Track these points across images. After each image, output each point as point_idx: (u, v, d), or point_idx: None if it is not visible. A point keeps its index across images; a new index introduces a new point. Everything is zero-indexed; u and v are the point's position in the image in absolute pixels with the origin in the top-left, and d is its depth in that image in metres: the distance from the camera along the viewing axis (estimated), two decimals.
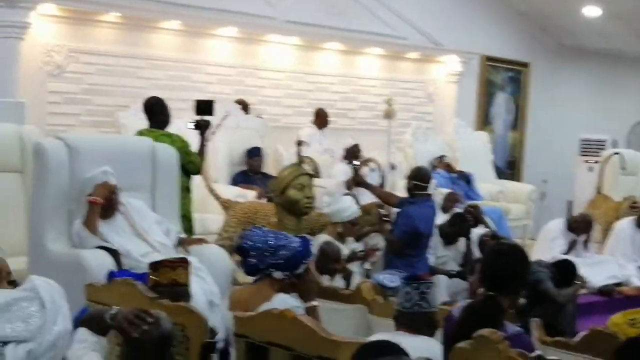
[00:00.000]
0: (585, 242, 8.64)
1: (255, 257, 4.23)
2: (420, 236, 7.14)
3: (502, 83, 14.03)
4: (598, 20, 13.03)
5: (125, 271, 4.98)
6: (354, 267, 6.77)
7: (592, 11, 12.80)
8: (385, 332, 4.02)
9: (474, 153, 12.14)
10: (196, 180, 7.09)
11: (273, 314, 3.67)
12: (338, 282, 6.22)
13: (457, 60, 12.89)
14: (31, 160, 5.94)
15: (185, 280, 4.21)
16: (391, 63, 12.30)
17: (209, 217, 7.79)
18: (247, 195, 8.26)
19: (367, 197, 8.21)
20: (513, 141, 14.35)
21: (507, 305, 3.65)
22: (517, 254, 3.77)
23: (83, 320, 3.21)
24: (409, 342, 3.55)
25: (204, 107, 6.94)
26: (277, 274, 4.20)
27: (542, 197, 13.19)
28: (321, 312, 4.37)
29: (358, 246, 7.13)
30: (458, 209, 8.53)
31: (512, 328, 3.54)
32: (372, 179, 9.17)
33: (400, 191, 8.04)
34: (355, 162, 9.01)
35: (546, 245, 8.59)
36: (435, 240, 7.55)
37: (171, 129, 6.82)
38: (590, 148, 12.39)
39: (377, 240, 7.38)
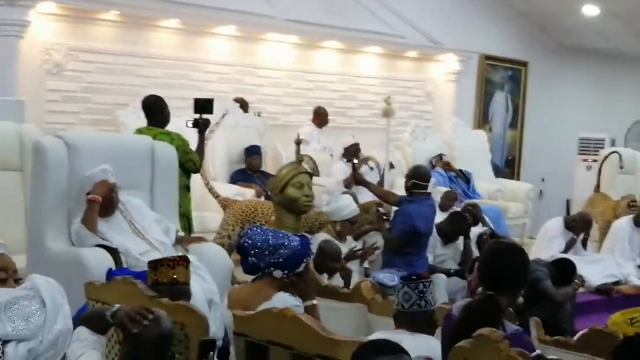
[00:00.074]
0: (584, 241, 8.66)
1: (255, 256, 4.22)
2: (420, 235, 7.14)
3: (501, 82, 14.04)
4: (597, 19, 13.04)
5: (125, 269, 4.98)
6: (352, 265, 6.77)
7: (590, 10, 12.81)
8: (385, 331, 4.03)
9: (473, 152, 12.14)
10: (195, 179, 7.09)
11: (273, 312, 3.67)
12: (337, 280, 6.22)
13: (456, 59, 12.89)
14: (30, 158, 5.93)
15: (184, 278, 4.21)
16: (390, 62, 12.30)
17: (208, 216, 7.80)
18: (246, 193, 8.26)
19: (366, 196, 8.22)
20: (511, 140, 14.36)
21: (506, 304, 3.65)
22: (516, 253, 3.77)
23: (82, 318, 3.21)
24: (408, 340, 3.56)
25: (203, 105, 6.95)
26: (277, 273, 4.20)
27: (540, 196, 13.21)
28: (320, 311, 4.37)
29: (357, 245, 7.13)
30: (456, 208, 8.54)
31: (512, 327, 3.54)
32: (371, 177, 9.18)
33: (399, 190, 8.05)
34: (354, 161, 9.01)
35: (545, 244, 8.61)
36: (434, 238, 7.56)
37: (170, 127, 6.81)
38: (588, 147, 12.42)
39: (376, 239, 7.39)
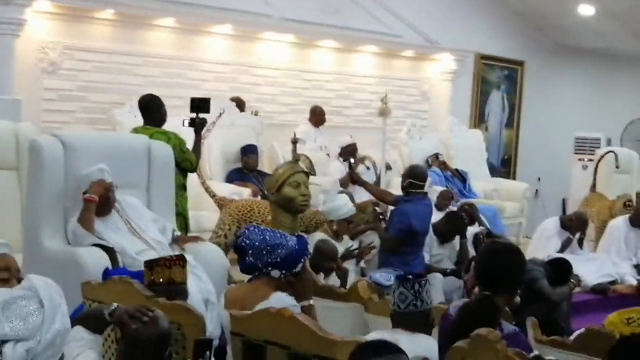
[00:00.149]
0: (580, 241, 8.67)
1: (253, 256, 4.22)
2: (416, 234, 7.15)
3: (497, 81, 14.05)
4: (593, 19, 13.05)
5: (121, 269, 4.97)
6: (349, 265, 6.77)
7: (587, 10, 12.82)
8: (382, 331, 4.03)
9: (469, 151, 12.15)
10: (191, 178, 7.09)
11: (270, 312, 3.67)
12: (333, 280, 6.22)
13: (452, 59, 12.90)
14: (27, 157, 5.93)
15: (181, 278, 4.21)
16: (386, 61, 12.30)
17: (204, 215, 7.79)
18: (242, 192, 8.25)
19: (363, 195, 8.22)
20: (507, 139, 14.37)
21: (502, 304, 3.65)
22: (512, 253, 3.78)
23: (79, 318, 3.22)
24: (405, 340, 3.57)
25: (200, 104, 6.93)
26: (275, 273, 4.20)
27: (536, 196, 13.22)
28: (317, 311, 4.37)
29: (353, 244, 7.13)
30: (452, 207, 8.55)
31: (509, 327, 3.55)
32: (367, 177, 9.18)
33: (396, 189, 8.05)
34: (351, 160, 9.02)
35: (541, 244, 8.62)
36: (430, 238, 7.56)
37: (167, 126, 6.80)
38: (584, 146, 12.44)
39: (373, 239, 7.39)
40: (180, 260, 4.22)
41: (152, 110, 6.81)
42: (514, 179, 13.78)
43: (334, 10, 11.22)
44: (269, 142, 10.01)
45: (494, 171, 13.05)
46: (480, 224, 8.42)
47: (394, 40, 12.10)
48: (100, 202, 5.26)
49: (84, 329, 3.09)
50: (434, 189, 9.08)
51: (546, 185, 13.77)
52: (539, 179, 13.74)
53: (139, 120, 6.90)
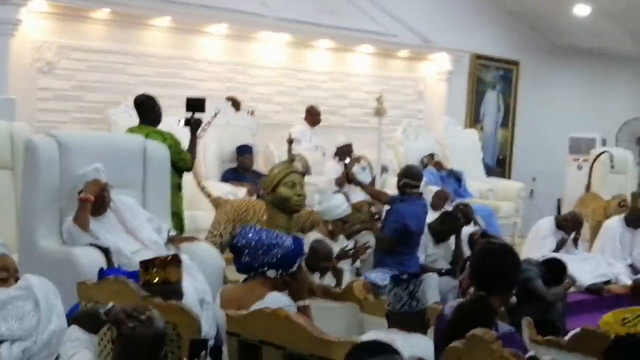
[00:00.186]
0: (575, 240, 8.68)
1: (249, 255, 4.23)
2: (411, 234, 7.15)
3: (492, 81, 14.05)
4: (589, 19, 13.06)
5: (117, 269, 4.97)
6: (344, 265, 6.78)
7: (582, 10, 12.83)
8: (377, 331, 4.03)
9: (464, 151, 12.16)
10: (187, 178, 7.08)
11: (265, 312, 3.67)
12: (329, 280, 6.22)
13: (448, 58, 12.91)
14: (22, 157, 5.92)
15: (176, 278, 4.21)
16: (382, 60, 12.31)
17: (200, 214, 7.78)
18: (238, 192, 8.25)
19: (358, 195, 8.22)
20: (503, 139, 14.38)
21: (497, 304, 3.66)
22: (507, 253, 3.79)
23: (75, 317, 3.21)
24: (401, 340, 3.57)
25: (195, 104, 6.94)
26: (271, 273, 4.21)
27: (531, 195, 13.23)
28: (313, 311, 4.37)
29: (349, 244, 7.14)
30: (448, 207, 8.56)
31: (504, 327, 3.55)
32: (363, 176, 9.18)
33: (391, 190, 8.06)
34: (346, 160, 9.02)
35: (536, 244, 8.63)
36: (426, 238, 7.57)
37: (162, 126, 6.80)
38: (579, 146, 12.44)
39: (368, 238, 7.39)
40: (175, 260, 4.22)
41: (147, 109, 6.81)
42: (509, 179, 13.78)
43: (330, 10, 11.22)
44: (265, 142, 10.00)
45: (489, 171, 13.06)
46: (476, 224, 8.43)
47: (390, 40, 12.10)
48: (95, 201, 5.26)
49: (80, 328, 3.09)
50: (429, 189, 9.08)
51: (541, 185, 13.78)
52: (534, 179, 13.75)
53: (135, 120, 6.90)
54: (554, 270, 6.90)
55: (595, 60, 15.37)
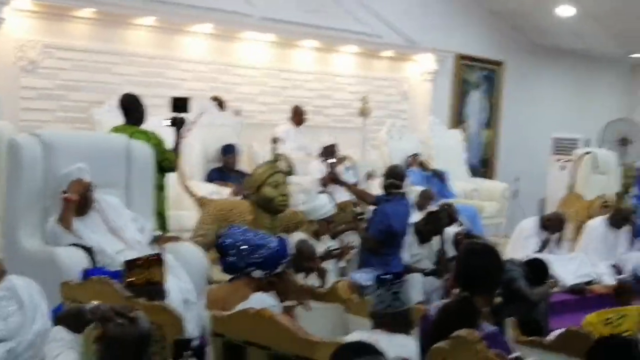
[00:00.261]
0: (558, 240, 8.72)
1: (235, 256, 4.23)
2: (395, 235, 7.16)
3: (476, 81, 14.08)
4: (572, 20, 13.11)
5: (100, 269, 4.96)
6: (329, 265, 6.78)
7: (566, 11, 12.88)
8: (362, 331, 4.04)
9: (449, 151, 12.18)
10: (171, 178, 7.07)
11: (250, 313, 3.67)
12: (313, 280, 6.22)
13: (432, 59, 12.92)
14: (4, 156, 5.89)
15: (159, 278, 4.20)
16: (366, 61, 12.31)
17: (184, 214, 7.75)
18: (223, 192, 8.23)
19: (343, 195, 8.22)
20: (487, 139, 14.41)
21: (481, 305, 3.66)
22: (489, 254, 3.79)
23: (59, 317, 3.20)
24: (385, 341, 3.57)
25: (180, 104, 6.93)
26: (257, 273, 4.21)
27: (515, 195, 13.27)
28: (297, 311, 4.37)
29: (334, 244, 7.14)
30: (433, 207, 8.56)
31: (488, 328, 3.56)
32: (348, 176, 9.19)
33: (375, 190, 8.07)
34: (331, 160, 9.02)
35: (520, 244, 8.66)
36: (410, 238, 7.58)
37: (146, 125, 6.79)
38: (562, 147, 12.49)
39: (353, 238, 7.39)
40: (158, 260, 4.21)
41: (131, 109, 6.80)
42: (492, 178, 13.81)
43: (315, 10, 11.21)
44: (249, 142, 9.99)
45: (473, 171, 13.08)
46: (460, 224, 8.44)
47: (375, 40, 12.11)
48: (79, 201, 5.24)
49: (64, 328, 3.08)
50: (413, 189, 9.09)
51: (525, 186, 13.82)
52: (517, 179, 13.79)
53: (119, 120, 6.88)
54: (537, 270, 6.92)
55: (579, 61, 15.44)
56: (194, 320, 4.55)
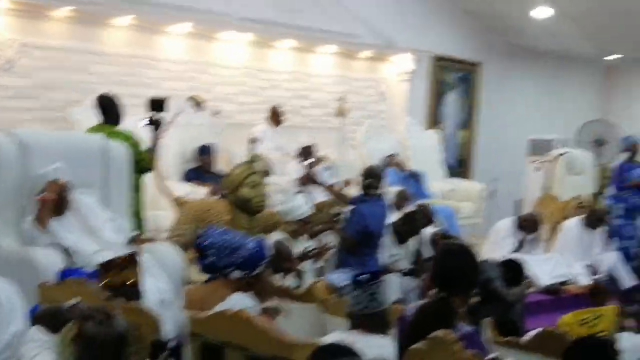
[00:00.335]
0: (534, 241, 8.78)
1: (214, 256, 4.23)
2: (372, 235, 7.18)
3: (453, 82, 14.11)
4: (549, 21, 13.16)
5: (77, 270, 4.94)
6: (306, 265, 6.78)
7: (543, 12, 12.92)
8: (339, 332, 4.05)
9: (426, 152, 12.22)
10: (148, 178, 7.05)
11: (228, 314, 3.68)
12: (290, 280, 6.22)
13: (409, 59, 12.94)
14: None
15: (134, 278, 4.19)
16: (344, 61, 12.31)
17: (161, 214, 7.73)
18: (199, 192, 8.21)
19: (320, 196, 8.23)
20: (463, 140, 14.45)
21: (458, 305, 3.69)
22: (466, 254, 3.82)
23: (36, 317, 3.19)
24: (362, 342, 3.59)
25: (158, 104, 6.91)
26: (236, 274, 4.20)
27: (491, 196, 13.33)
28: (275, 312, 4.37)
29: (311, 244, 7.15)
30: (410, 207, 8.59)
31: (465, 328, 3.58)
32: (326, 177, 9.20)
33: (353, 191, 8.08)
34: (308, 160, 9.02)
35: (496, 244, 8.71)
36: (389, 238, 7.60)
37: (125, 125, 6.77)
38: (538, 148, 12.55)
39: (330, 239, 7.41)
40: (132, 260, 4.20)
41: (109, 109, 6.80)
42: (469, 179, 13.85)
43: (293, 10, 11.20)
44: (227, 142, 9.97)
45: (451, 172, 13.12)
46: (436, 225, 8.47)
47: (353, 40, 12.11)
48: (55, 202, 5.22)
49: (41, 329, 3.07)
50: (390, 190, 9.11)
51: (501, 186, 13.87)
52: (496, 179, 13.84)
53: (96, 119, 6.86)
54: (512, 270, 6.96)
55: (555, 62, 15.52)
56: (171, 321, 4.54)
